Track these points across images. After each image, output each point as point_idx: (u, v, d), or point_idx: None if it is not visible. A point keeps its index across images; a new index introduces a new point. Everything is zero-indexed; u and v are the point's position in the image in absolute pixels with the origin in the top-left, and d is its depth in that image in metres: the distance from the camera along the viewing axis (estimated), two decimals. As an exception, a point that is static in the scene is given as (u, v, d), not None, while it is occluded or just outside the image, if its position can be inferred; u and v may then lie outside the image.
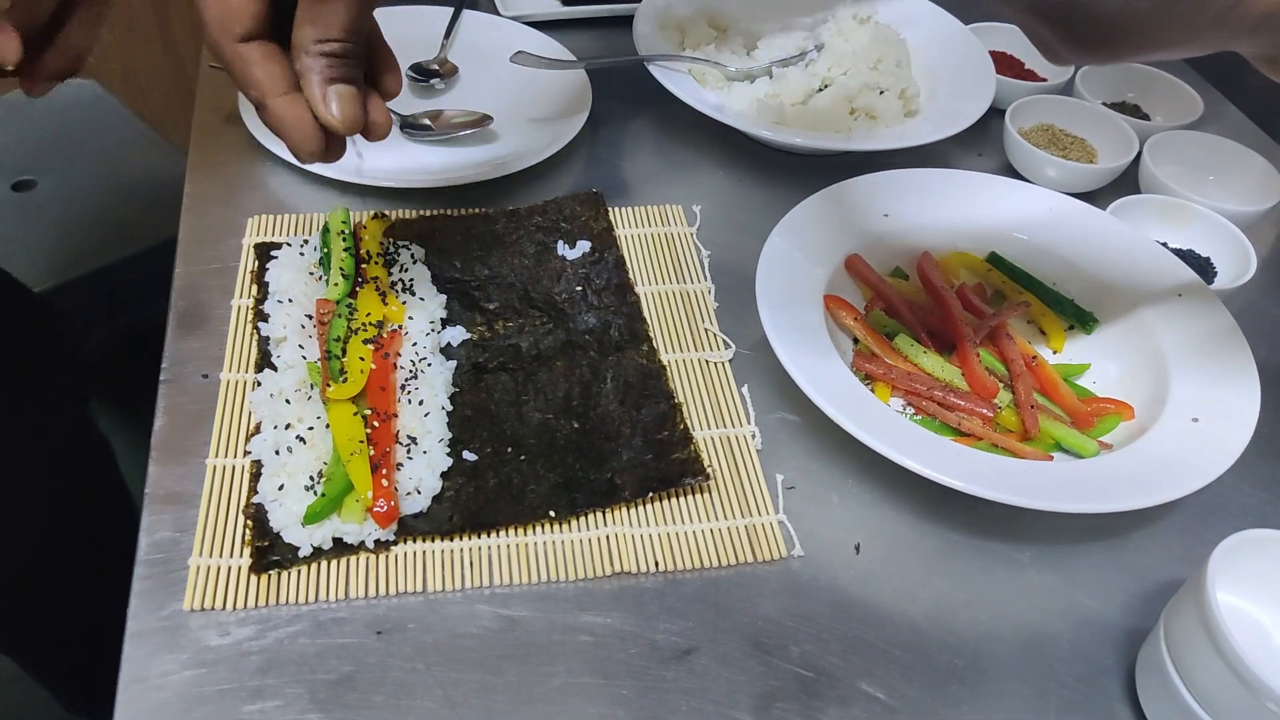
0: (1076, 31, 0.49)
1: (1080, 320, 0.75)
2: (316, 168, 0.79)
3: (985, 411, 0.67)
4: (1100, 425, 0.67)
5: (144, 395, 1.03)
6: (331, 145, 0.54)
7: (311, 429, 0.61)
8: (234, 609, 0.55)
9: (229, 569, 0.56)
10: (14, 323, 0.90)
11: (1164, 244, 0.80)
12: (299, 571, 0.56)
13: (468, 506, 0.60)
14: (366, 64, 0.56)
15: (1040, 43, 0.52)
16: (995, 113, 0.91)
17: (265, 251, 0.73)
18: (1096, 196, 0.86)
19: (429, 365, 0.65)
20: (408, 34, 0.96)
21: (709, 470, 0.63)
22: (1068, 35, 0.50)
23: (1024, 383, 0.68)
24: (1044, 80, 0.99)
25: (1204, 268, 0.82)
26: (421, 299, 0.69)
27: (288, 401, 0.62)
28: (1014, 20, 0.52)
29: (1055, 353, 0.74)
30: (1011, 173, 0.92)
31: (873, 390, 0.68)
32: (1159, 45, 0.48)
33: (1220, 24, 0.46)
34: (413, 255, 0.73)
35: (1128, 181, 0.90)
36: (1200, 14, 0.46)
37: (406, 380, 0.64)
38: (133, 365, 1.08)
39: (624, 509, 0.61)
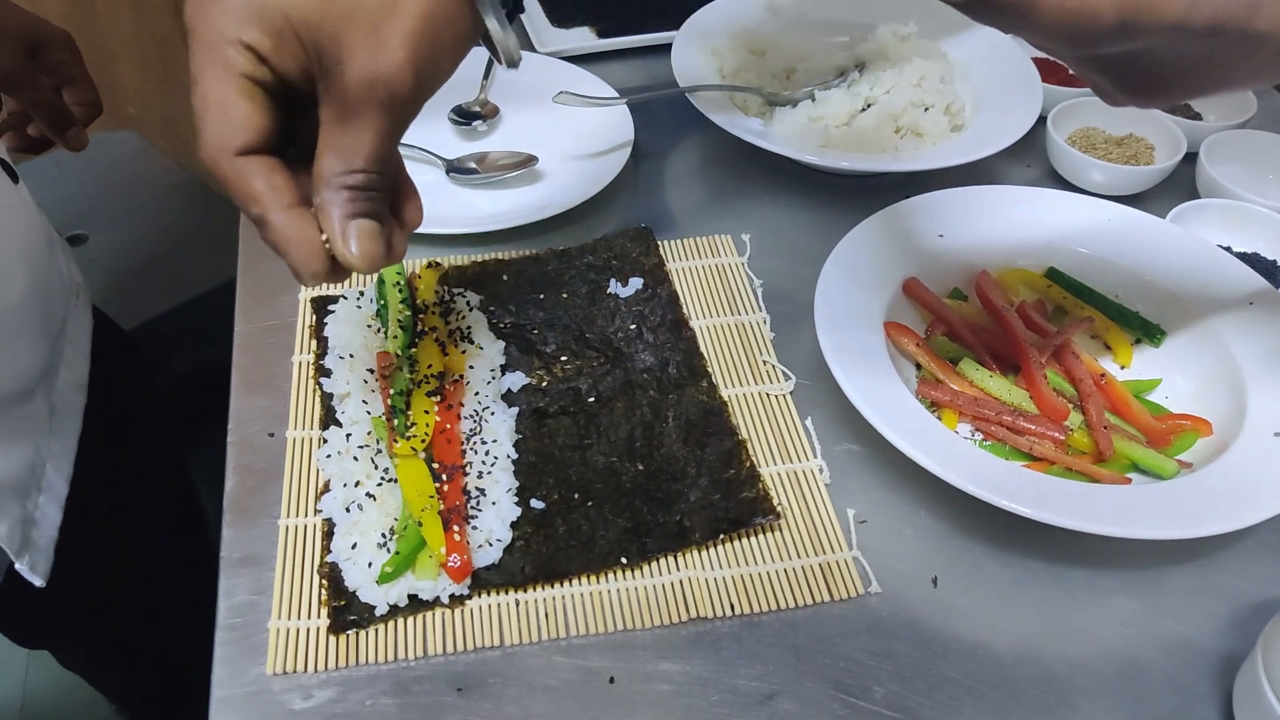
0: (1132, 80, 0.50)
1: (1147, 333, 0.73)
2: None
3: (1057, 434, 0.66)
4: (1177, 443, 0.66)
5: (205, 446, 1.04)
6: (337, 271, 0.49)
7: (380, 485, 0.61)
8: (315, 671, 0.55)
9: (308, 630, 0.56)
10: (111, 364, 0.93)
11: (1227, 248, 0.78)
12: (376, 630, 0.57)
13: (539, 556, 0.60)
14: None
15: (1098, 89, 0.52)
16: (1041, 120, 0.90)
17: (322, 305, 0.74)
18: (1153, 204, 0.84)
19: (492, 414, 0.65)
20: (447, 77, 0.96)
21: (779, 508, 0.62)
22: (1124, 83, 0.50)
23: (1095, 403, 0.67)
24: (1090, 85, 0.98)
25: (1271, 271, 0.80)
26: (480, 347, 0.69)
27: (355, 459, 0.62)
28: (1069, 66, 0.52)
29: (1123, 368, 0.73)
30: (1058, 179, 0.90)
31: (939, 417, 0.67)
32: (1214, 86, 0.49)
33: (1276, 61, 0.45)
34: (468, 302, 0.73)
35: (1184, 186, 0.88)
36: (1254, 56, 0.46)
37: (471, 431, 0.64)
38: (196, 412, 1.10)
39: (695, 552, 0.61)
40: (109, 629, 1.00)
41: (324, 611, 0.57)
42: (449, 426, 0.63)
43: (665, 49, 0.95)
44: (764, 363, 0.72)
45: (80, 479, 0.81)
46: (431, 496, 0.59)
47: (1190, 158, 0.88)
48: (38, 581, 0.74)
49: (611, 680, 0.55)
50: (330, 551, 0.59)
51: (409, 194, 0.52)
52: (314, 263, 0.47)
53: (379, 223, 0.48)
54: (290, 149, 0.48)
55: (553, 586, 0.59)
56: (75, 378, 0.83)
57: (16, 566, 0.72)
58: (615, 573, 0.60)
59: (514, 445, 0.65)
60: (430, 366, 0.66)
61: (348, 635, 0.56)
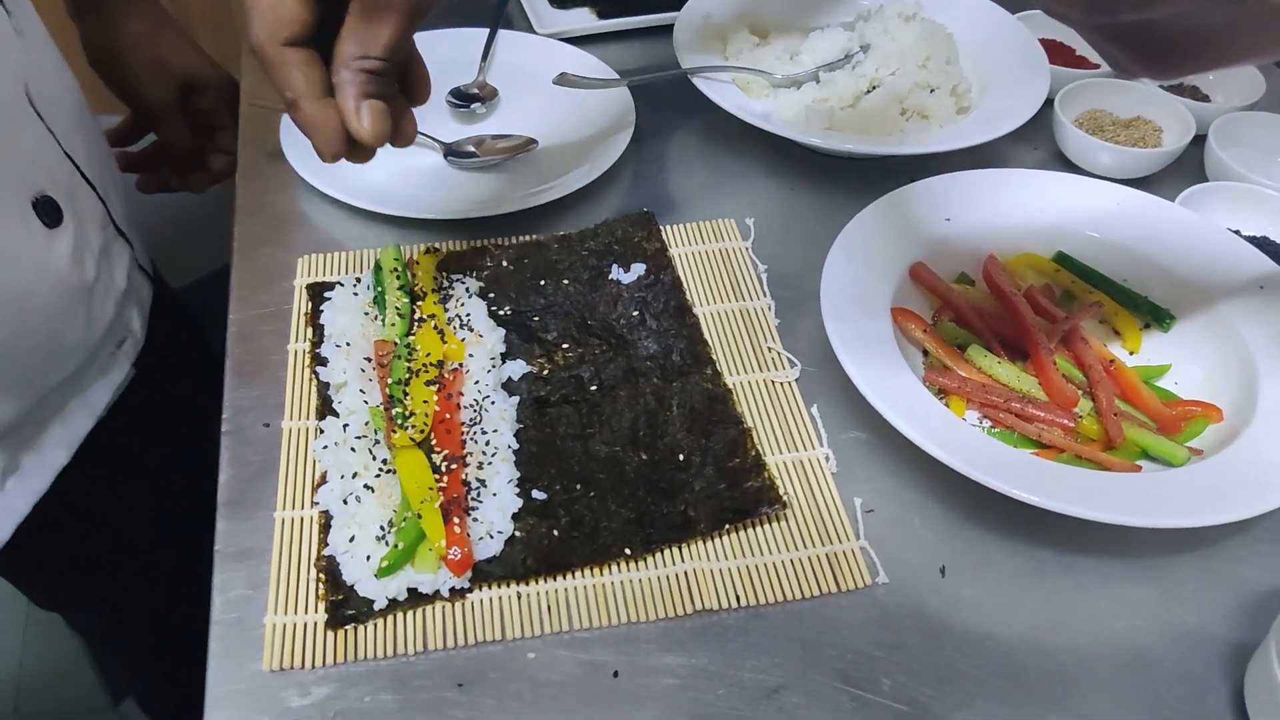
0: (1147, 49, 0.48)
1: (1156, 318, 0.72)
2: (368, 203, 0.78)
3: (1066, 422, 0.64)
4: (1188, 430, 0.65)
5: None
6: (356, 151, 0.58)
7: (379, 476, 0.60)
8: (313, 667, 0.54)
9: (305, 625, 0.55)
10: (161, 321, 0.89)
11: (1236, 232, 0.77)
12: (375, 625, 0.56)
13: (540, 548, 0.59)
14: (400, 73, 0.59)
15: (1110, 59, 0.50)
16: (1049, 102, 0.89)
17: (318, 292, 0.72)
18: (1162, 187, 0.83)
19: (492, 403, 0.64)
20: (445, 58, 0.94)
21: (785, 498, 0.61)
22: (1139, 54, 0.48)
23: (1105, 389, 0.66)
24: (1097, 66, 0.96)
25: (1281, 255, 0.79)
26: (480, 335, 0.68)
27: (352, 449, 0.61)
28: (1082, 36, 0.50)
29: (1132, 354, 0.72)
30: (1065, 162, 0.89)
31: (947, 404, 0.66)
32: (1232, 58, 0.48)
33: None
34: (467, 289, 0.72)
35: (1193, 169, 0.87)
36: (1276, 26, 0.44)
37: (471, 420, 0.63)
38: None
39: (700, 543, 0.60)
40: (123, 596, 0.99)
41: (321, 606, 0.56)
42: (448, 416, 0.62)
43: (667, 30, 0.93)
44: (769, 349, 0.71)
45: (111, 440, 0.80)
46: (431, 488, 0.58)
47: (1199, 140, 0.87)
48: None
49: (615, 674, 0.54)
50: (328, 544, 0.58)
51: (421, 76, 0.61)
52: (335, 144, 0.56)
53: (387, 103, 0.56)
54: (322, 46, 0.55)
55: (555, 579, 0.58)
56: (68, 436, 0.76)
57: None
58: (619, 564, 0.59)
59: (515, 435, 0.64)
60: (429, 355, 0.65)
61: (346, 630, 0.55)
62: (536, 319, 0.72)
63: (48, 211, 0.69)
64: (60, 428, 0.76)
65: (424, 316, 0.68)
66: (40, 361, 0.71)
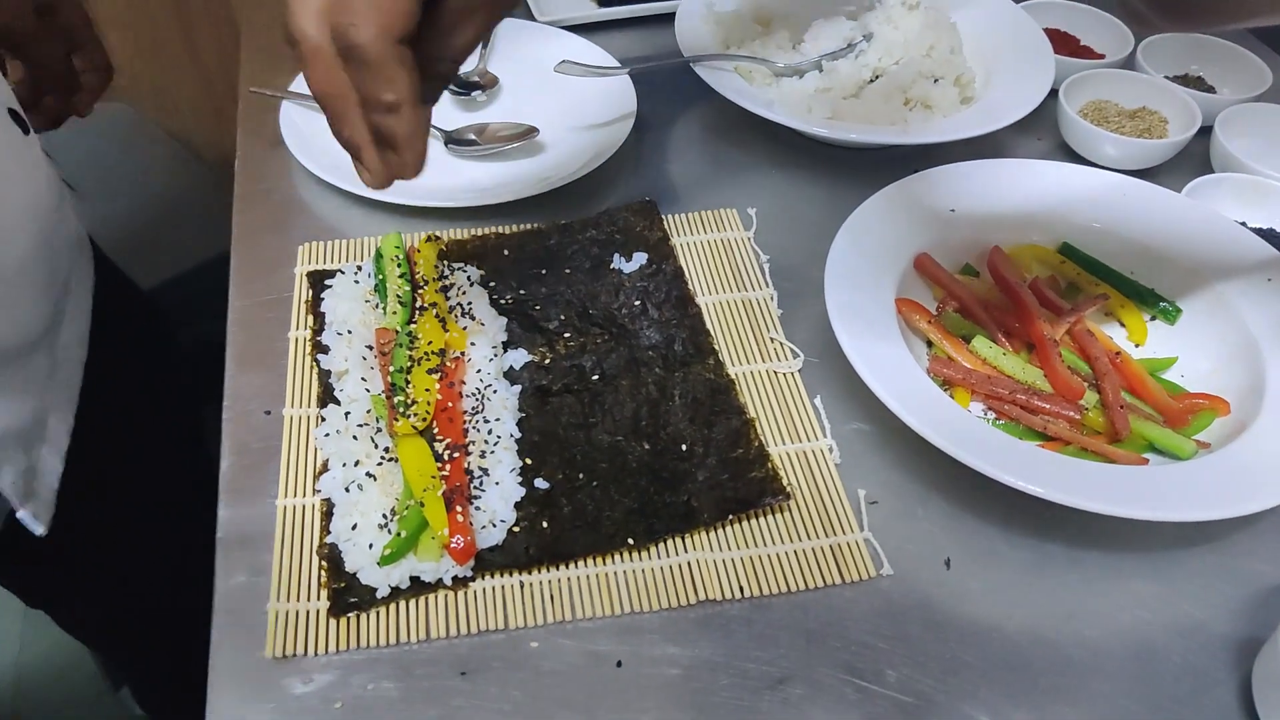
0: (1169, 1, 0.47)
1: (1162, 310, 0.72)
2: (368, 191, 0.78)
3: (1071, 414, 0.64)
4: (1195, 423, 0.64)
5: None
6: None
7: (381, 464, 0.59)
8: (315, 654, 0.54)
9: (307, 613, 0.55)
10: (126, 320, 0.90)
11: (1243, 224, 0.77)
12: (378, 613, 0.55)
13: (543, 537, 0.58)
14: None
15: (1131, 13, 0.49)
16: (1053, 93, 0.88)
17: (319, 280, 0.72)
18: (1167, 179, 0.82)
19: (494, 392, 0.64)
20: (445, 46, 0.94)
21: (788, 489, 0.61)
22: (1161, 4, 0.47)
23: (1111, 381, 0.65)
24: (1102, 57, 0.96)
25: (1287, 247, 0.78)
26: (482, 323, 0.68)
27: (354, 437, 0.60)
28: None
29: (1138, 346, 0.71)
30: (1069, 153, 0.88)
31: (952, 396, 0.65)
32: (1254, 13, 0.46)
33: None
34: (469, 277, 0.71)
35: (1199, 160, 0.87)
36: None
37: (473, 409, 0.63)
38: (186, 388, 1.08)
39: (703, 533, 0.59)
40: (111, 590, 0.98)
41: (324, 594, 0.56)
42: (450, 404, 0.62)
43: (668, 18, 0.93)
44: (771, 340, 0.71)
45: (90, 436, 0.79)
46: (433, 476, 0.58)
47: (1204, 132, 0.86)
48: (39, 530, 0.73)
49: (619, 664, 0.54)
50: (330, 532, 0.58)
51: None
52: (424, 155, 0.52)
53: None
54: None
55: (558, 568, 0.58)
56: (77, 333, 0.80)
57: (19, 515, 0.71)
58: (622, 554, 0.58)
59: (517, 424, 0.63)
60: (430, 343, 0.64)
61: (348, 618, 0.55)
62: (538, 308, 0.71)
63: (18, 121, 0.71)
64: (69, 327, 0.78)
65: (425, 305, 0.68)
66: (54, 261, 0.74)
